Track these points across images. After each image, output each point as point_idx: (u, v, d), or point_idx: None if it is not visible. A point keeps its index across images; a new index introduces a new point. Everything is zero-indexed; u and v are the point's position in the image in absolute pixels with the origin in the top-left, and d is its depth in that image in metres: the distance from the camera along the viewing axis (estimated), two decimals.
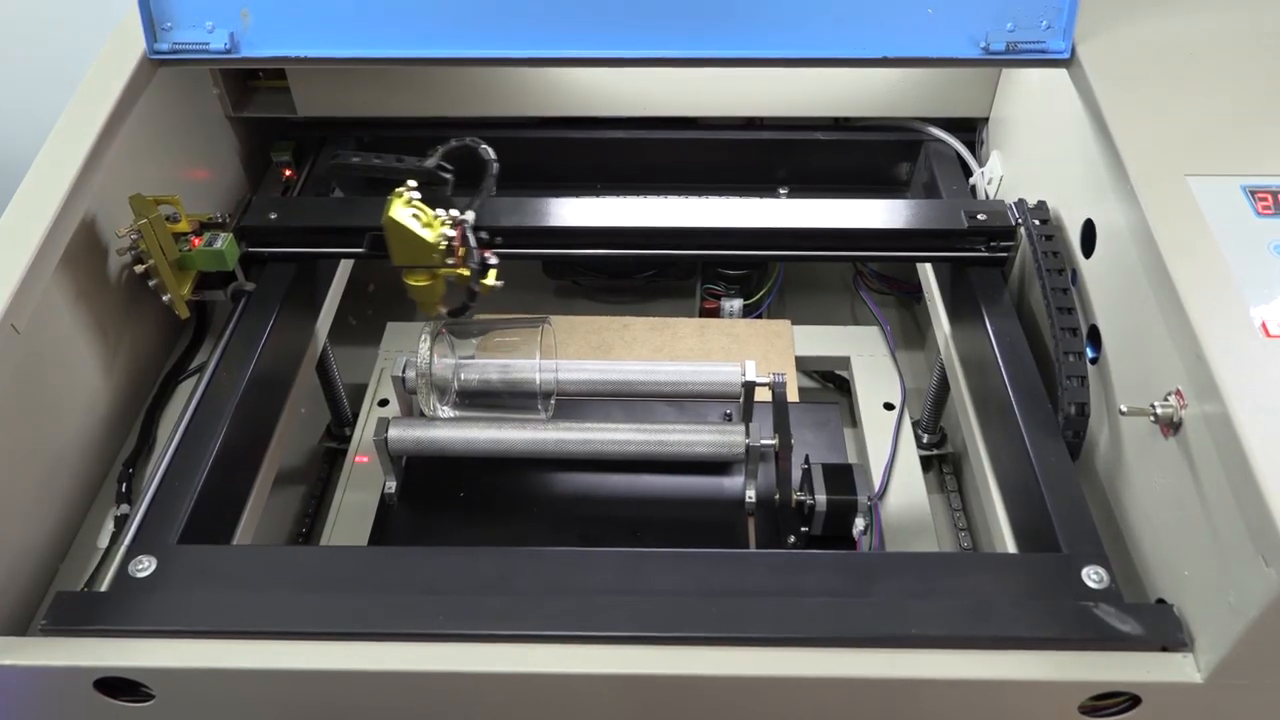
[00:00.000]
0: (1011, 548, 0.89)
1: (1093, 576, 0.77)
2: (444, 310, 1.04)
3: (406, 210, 0.97)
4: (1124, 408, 0.77)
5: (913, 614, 0.74)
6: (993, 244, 1.05)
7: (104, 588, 0.79)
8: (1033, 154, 1.13)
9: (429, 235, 0.97)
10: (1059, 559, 0.79)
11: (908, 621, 0.74)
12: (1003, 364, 0.95)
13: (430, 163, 1.04)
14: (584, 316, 1.41)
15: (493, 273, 1.01)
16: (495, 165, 1.04)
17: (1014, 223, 1.04)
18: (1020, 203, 1.04)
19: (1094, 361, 0.91)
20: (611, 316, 1.40)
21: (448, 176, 1.04)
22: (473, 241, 0.98)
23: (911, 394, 1.31)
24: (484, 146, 1.04)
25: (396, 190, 0.97)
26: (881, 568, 0.79)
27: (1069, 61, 0.98)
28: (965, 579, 0.78)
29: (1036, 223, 1.00)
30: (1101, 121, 0.90)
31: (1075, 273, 0.96)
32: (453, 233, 0.97)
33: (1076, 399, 0.88)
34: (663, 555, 0.80)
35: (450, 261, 0.98)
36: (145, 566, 0.79)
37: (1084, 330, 0.92)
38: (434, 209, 0.99)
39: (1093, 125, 0.92)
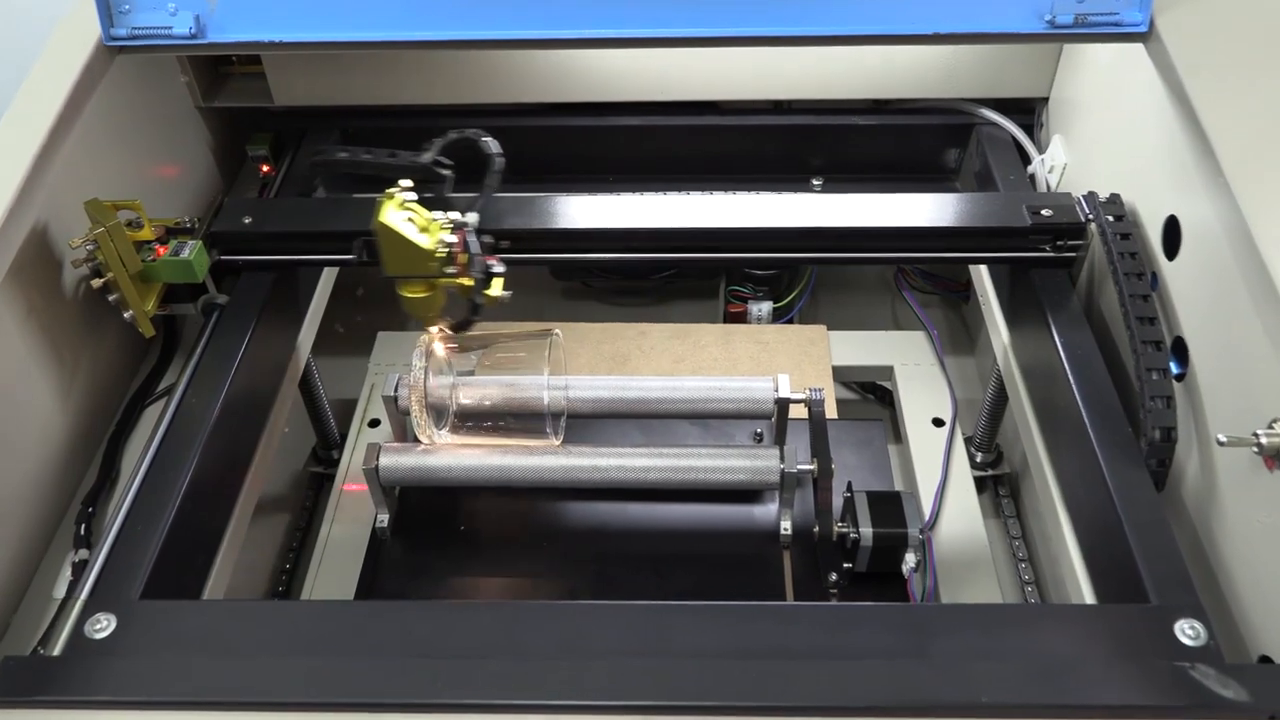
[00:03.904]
0: (1088, 595, 0.84)
1: (1187, 631, 0.72)
2: (444, 325, 1.00)
3: (400, 214, 0.92)
4: (1222, 438, 0.72)
5: (980, 678, 0.69)
6: (1059, 243, 0.99)
7: (57, 650, 0.75)
8: (1102, 140, 1.07)
9: (426, 241, 0.92)
10: (1147, 611, 0.74)
11: (975, 687, 0.69)
12: (1073, 380, 0.90)
13: (426, 158, 1.00)
14: (596, 323, 1.36)
15: (498, 282, 0.96)
16: (500, 160, 0.99)
17: (1084, 219, 0.98)
18: (1090, 196, 0.99)
19: (1179, 378, 0.86)
20: (626, 323, 1.36)
21: (446, 173, 1.00)
22: (475, 247, 0.93)
23: (961, 405, 1.26)
24: (487, 138, 1.00)
25: (388, 191, 0.92)
26: (941, 622, 0.74)
27: (1147, 35, 0.92)
28: (1038, 635, 0.73)
29: (1110, 219, 0.95)
30: (1187, 104, 0.84)
31: (1155, 277, 0.91)
32: (453, 238, 0.93)
33: (1162, 422, 0.83)
34: (692, 609, 0.76)
35: (450, 270, 0.93)
36: (103, 626, 0.75)
37: (1168, 343, 0.87)
38: (431, 211, 0.94)
39: (1176, 108, 0.87)
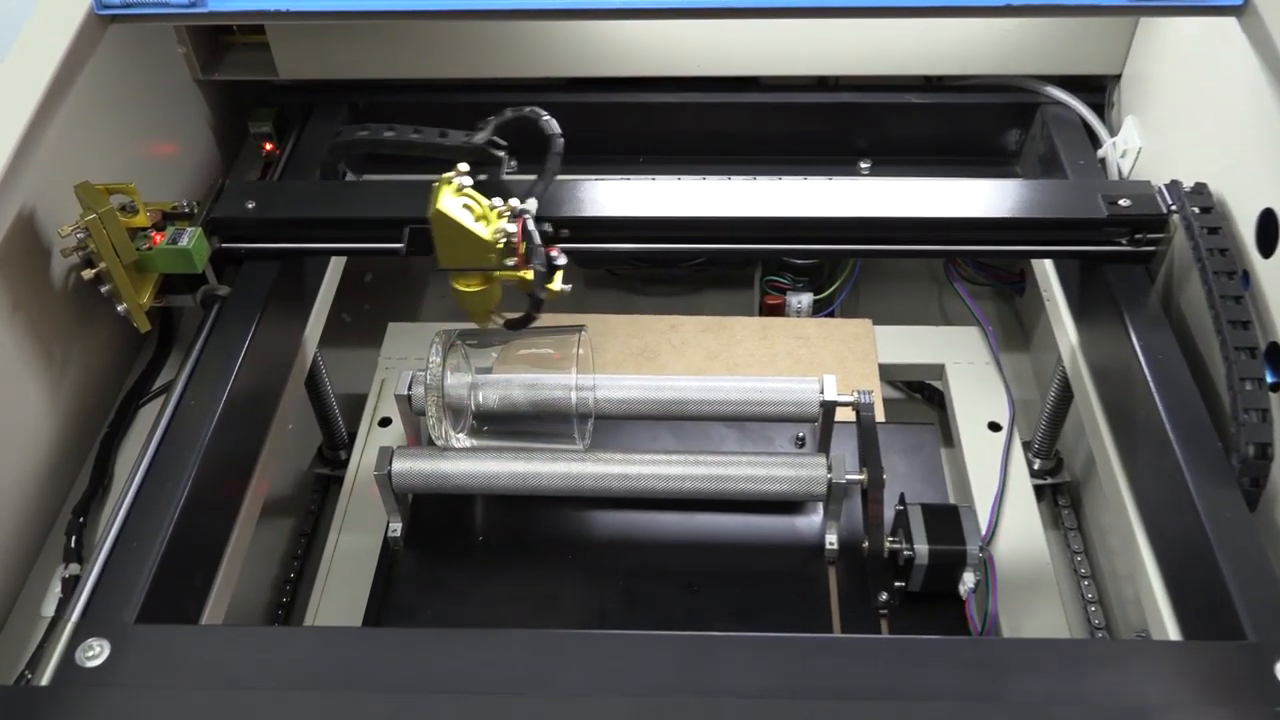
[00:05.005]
0: (1171, 627, 0.80)
1: None
2: (500, 321, 0.96)
3: (457, 201, 0.87)
4: None
5: None
6: (1138, 236, 0.95)
7: (46, 679, 0.72)
8: (1183, 123, 1.03)
9: (485, 231, 0.88)
10: (1245, 649, 0.70)
11: None
12: (1154, 387, 0.86)
13: (480, 138, 0.95)
14: (622, 315, 1.33)
15: (559, 274, 0.92)
16: (559, 140, 0.95)
17: (1166, 210, 0.94)
18: (1173, 185, 0.94)
19: (1275, 388, 0.82)
20: (656, 315, 1.32)
21: (501, 155, 0.95)
22: (537, 237, 0.90)
23: (1017, 407, 1.22)
24: (546, 117, 0.95)
25: (444, 176, 0.88)
26: (1016, 660, 0.70)
27: (1242, 9, 0.88)
28: (1124, 676, 0.69)
29: (1196, 210, 0.90)
30: None
31: (1248, 276, 0.86)
32: (513, 227, 0.89)
33: (1256, 438, 0.79)
34: (739, 641, 0.72)
35: (509, 262, 0.90)
36: (96, 653, 0.72)
37: (1263, 349, 0.82)
38: (488, 197, 0.90)
39: (1275, 88, 0.82)
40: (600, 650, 0.72)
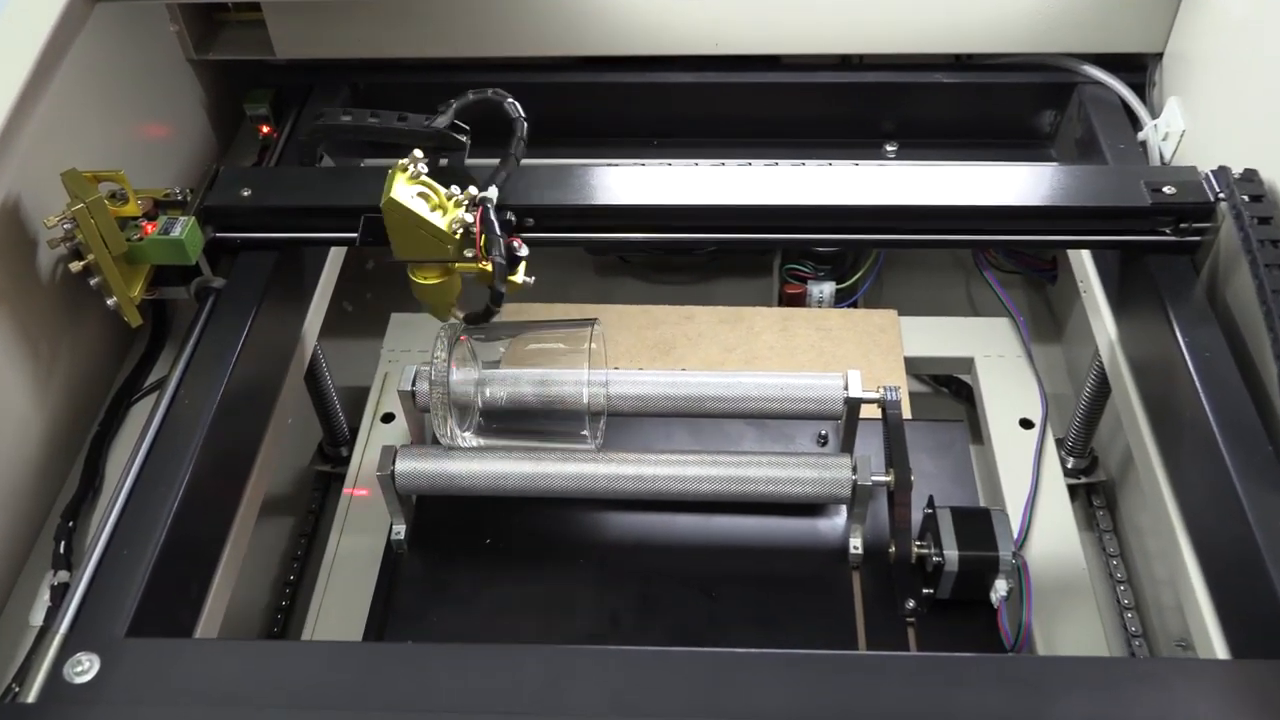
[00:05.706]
0: (1218, 644, 0.78)
1: None
2: (460, 315, 0.95)
3: (411, 189, 0.87)
4: None
5: None
6: (1183, 225, 0.92)
7: (33, 695, 0.71)
8: (1230, 104, 1.00)
9: (441, 221, 0.87)
10: None
11: None
12: (1200, 385, 0.84)
13: (441, 122, 0.95)
14: (635, 306, 1.31)
15: (522, 266, 0.90)
16: (524, 124, 0.94)
17: (1213, 198, 0.91)
18: (1221, 171, 0.91)
19: None
20: (670, 305, 1.30)
21: (463, 140, 0.95)
22: (497, 228, 0.88)
23: (1049, 401, 1.19)
24: (510, 100, 0.94)
25: (399, 163, 0.87)
26: (1054, 680, 0.68)
27: None
28: (1168, 698, 0.67)
29: (1246, 199, 0.88)
30: None
31: None
32: (471, 217, 0.87)
33: None
34: (762, 658, 0.71)
35: (468, 254, 0.88)
36: (85, 668, 0.71)
37: None
38: (446, 185, 0.89)
39: None
40: (616, 668, 0.70)
